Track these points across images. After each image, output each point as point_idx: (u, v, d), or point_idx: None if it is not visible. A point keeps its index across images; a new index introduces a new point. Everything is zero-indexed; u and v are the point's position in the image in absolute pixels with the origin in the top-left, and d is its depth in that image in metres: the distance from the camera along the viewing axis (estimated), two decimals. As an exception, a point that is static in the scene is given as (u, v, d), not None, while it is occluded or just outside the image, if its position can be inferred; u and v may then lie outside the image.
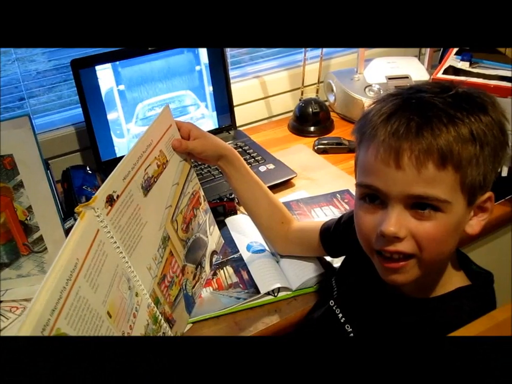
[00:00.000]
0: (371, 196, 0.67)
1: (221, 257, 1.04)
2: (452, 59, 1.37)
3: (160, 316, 0.79)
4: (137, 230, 0.75)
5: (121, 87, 1.27)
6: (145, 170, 0.78)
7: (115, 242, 0.69)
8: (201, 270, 0.94)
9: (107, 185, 0.70)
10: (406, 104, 0.64)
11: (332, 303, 0.83)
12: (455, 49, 1.39)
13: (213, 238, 1.00)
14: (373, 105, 0.69)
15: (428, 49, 1.65)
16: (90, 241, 0.64)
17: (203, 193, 0.97)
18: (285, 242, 1.00)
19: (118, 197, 0.71)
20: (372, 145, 0.65)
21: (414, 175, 0.61)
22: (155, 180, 0.81)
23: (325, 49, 1.59)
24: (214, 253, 1.00)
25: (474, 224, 0.68)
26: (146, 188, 0.79)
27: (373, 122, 0.65)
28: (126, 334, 0.68)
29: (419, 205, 0.63)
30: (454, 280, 0.72)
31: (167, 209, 0.84)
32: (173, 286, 0.85)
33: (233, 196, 1.15)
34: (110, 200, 0.70)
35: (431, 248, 0.64)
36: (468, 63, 1.34)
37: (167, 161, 0.85)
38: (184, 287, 0.88)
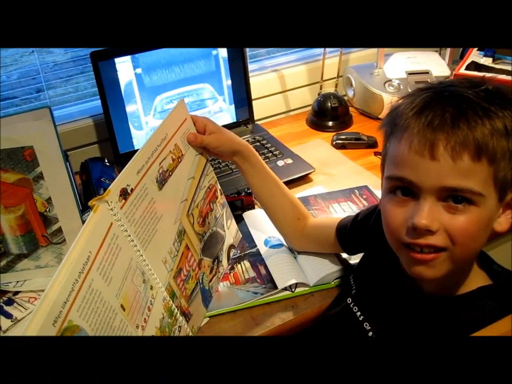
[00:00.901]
0: (402, 189, 0.66)
1: (238, 251, 1.03)
2: (475, 55, 1.35)
3: (176, 310, 0.79)
4: (152, 224, 0.75)
5: (140, 79, 1.27)
6: (160, 164, 0.78)
7: (129, 235, 0.70)
8: (218, 264, 0.94)
9: (121, 179, 0.70)
10: (439, 96, 0.63)
11: (349, 300, 0.83)
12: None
13: (230, 232, 1.00)
14: (401, 100, 0.68)
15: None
16: (103, 234, 0.65)
17: (220, 187, 0.97)
18: (300, 239, 0.99)
19: (132, 190, 0.71)
20: (404, 136, 0.64)
21: (449, 166, 0.60)
22: (170, 173, 0.81)
23: (344, 44, 1.58)
24: (231, 247, 1.00)
25: (503, 222, 0.67)
26: (161, 181, 0.78)
27: (405, 114, 0.64)
28: (140, 327, 0.69)
29: (452, 197, 0.62)
30: (475, 279, 0.71)
31: (182, 203, 0.84)
32: (190, 280, 0.85)
33: (251, 190, 1.15)
34: (124, 194, 0.70)
35: (464, 242, 0.63)
36: (490, 59, 1.32)
37: (182, 155, 0.84)
38: (201, 281, 0.88)
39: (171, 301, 0.78)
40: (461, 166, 0.60)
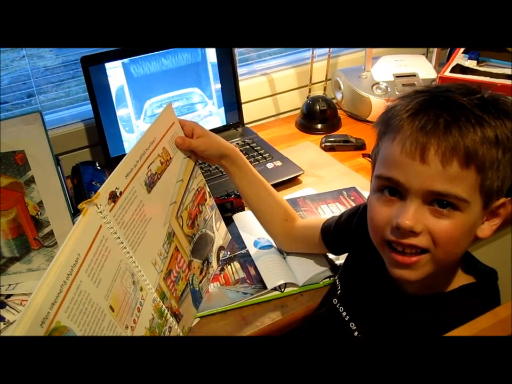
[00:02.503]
0: (390, 189, 0.67)
1: (228, 253, 1.05)
2: (459, 57, 1.37)
3: (166, 310, 0.80)
4: (141, 226, 0.76)
5: (130, 82, 1.28)
6: (148, 167, 0.79)
7: (118, 238, 0.71)
8: (208, 266, 0.95)
9: (109, 182, 0.71)
10: (434, 101, 0.64)
11: (335, 301, 0.84)
12: (463, 48, 1.40)
13: (220, 234, 1.01)
14: (397, 101, 0.69)
15: (436, 48, 1.65)
16: (92, 237, 0.65)
17: (208, 190, 0.98)
18: (288, 240, 1.01)
19: (121, 193, 0.72)
20: (397, 138, 0.65)
21: (438, 170, 0.62)
22: (158, 176, 0.82)
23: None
24: (221, 248, 1.01)
25: (486, 228, 0.68)
26: (150, 184, 0.80)
27: (400, 116, 0.65)
28: (129, 328, 0.70)
29: (438, 202, 0.63)
30: (458, 277, 0.72)
31: (171, 206, 0.85)
32: (179, 281, 0.86)
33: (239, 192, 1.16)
34: (113, 197, 0.71)
35: (446, 245, 0.65)
36: (475, 62, 1.34)
37: (170, 158, 0.86)
38: (191, 282, 0.89)
39: (161, 302, 0.79)
40: (450, 171, 0.61)
